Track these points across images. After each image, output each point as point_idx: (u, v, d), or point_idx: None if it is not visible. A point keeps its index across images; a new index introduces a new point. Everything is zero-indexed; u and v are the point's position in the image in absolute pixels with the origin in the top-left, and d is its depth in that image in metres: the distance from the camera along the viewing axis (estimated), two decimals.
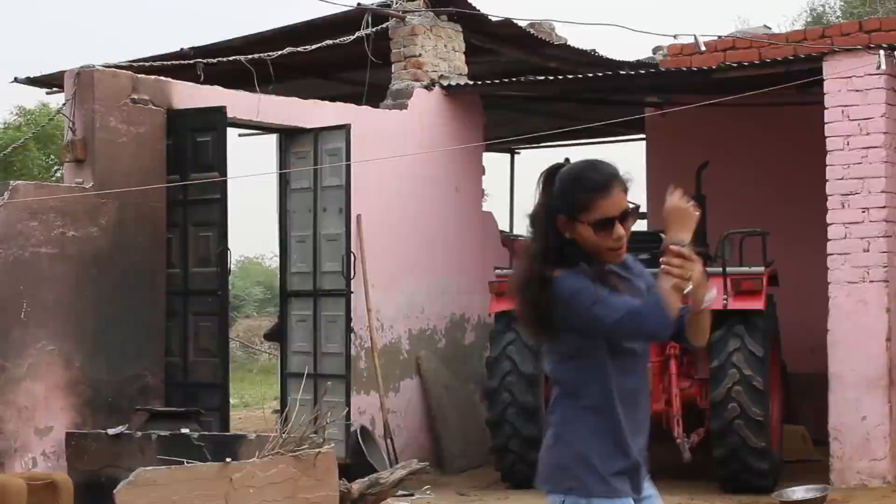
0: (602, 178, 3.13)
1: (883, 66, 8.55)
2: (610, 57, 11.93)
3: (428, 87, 10.63)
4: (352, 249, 9.56)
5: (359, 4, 10.40)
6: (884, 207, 8.86)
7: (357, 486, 7.24)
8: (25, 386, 8.16)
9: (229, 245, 8.92)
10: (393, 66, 10.73)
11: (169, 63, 10.49)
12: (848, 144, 8.73)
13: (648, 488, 3.30)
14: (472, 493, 9.37)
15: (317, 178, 9.56)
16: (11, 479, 7.34)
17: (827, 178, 8.90)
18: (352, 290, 9.47)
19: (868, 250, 8.74)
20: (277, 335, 10.80)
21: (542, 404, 9.45)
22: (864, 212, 8.92)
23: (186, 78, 9.79)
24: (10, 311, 8.15)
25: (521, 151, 15.34)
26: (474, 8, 10.84)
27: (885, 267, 8.86)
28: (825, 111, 8.83)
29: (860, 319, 8.91)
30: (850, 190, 8.83)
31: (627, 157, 17.40)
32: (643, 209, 9.15)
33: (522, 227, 11.71)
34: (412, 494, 8.72)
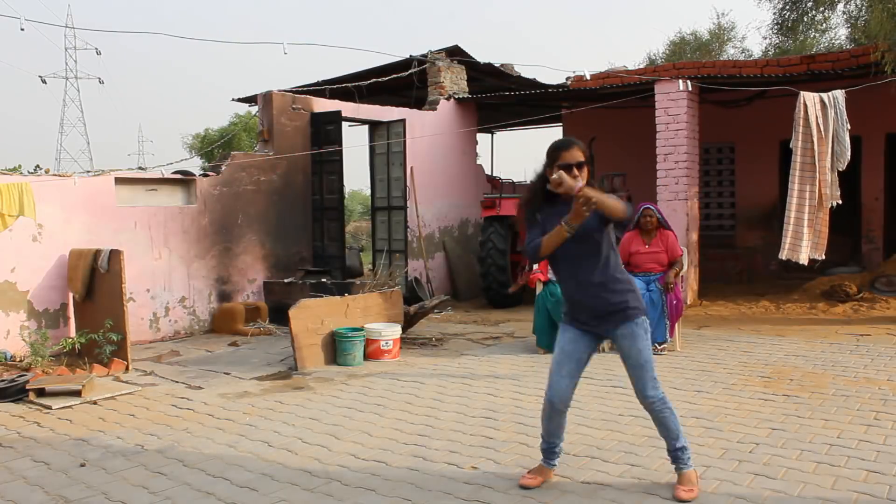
0: (565, 142, 3.13)
1: (683, 88, 9.43)
2: (543, 81, 12.54)
3: (447, 99, 11.45)
4: (408, 185, 10.32)
5: (410, 56, 11.19)
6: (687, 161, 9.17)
7: (413, 308, 7.71)
8: (242, 258, 9.08)
9: (344, 183, 9.60)
10: (429, 87, 11.51)
11: (311, 87, 11.25)
12: (667, 128, 9.47)
13: (624, 327, 3.12)
14: (472, 311, 10.06)
15: (388, 148, 10.22)
16: (236, 305, 8.73)
17: (658, 150, 9.51)
18: (408, 206, 10.27)
19: None
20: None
21: (508, 264, 10.01)
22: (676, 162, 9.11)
23: (320, 95, 10.49)
24: (233, 220, 8.97)
25: (496, 132, 16.71)
26: (471, 56, 11.69)
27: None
28: (656, 110, 9.55)
29: None
30: (669, 152, 9.30)
31: (552, 136, 19.28)
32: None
33: (497, 172, 13.88)
34: (441, 311, 9.57)
